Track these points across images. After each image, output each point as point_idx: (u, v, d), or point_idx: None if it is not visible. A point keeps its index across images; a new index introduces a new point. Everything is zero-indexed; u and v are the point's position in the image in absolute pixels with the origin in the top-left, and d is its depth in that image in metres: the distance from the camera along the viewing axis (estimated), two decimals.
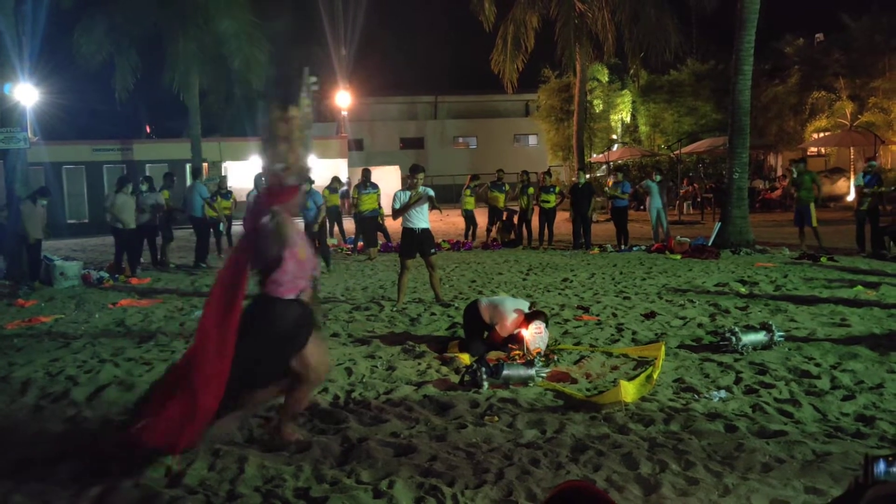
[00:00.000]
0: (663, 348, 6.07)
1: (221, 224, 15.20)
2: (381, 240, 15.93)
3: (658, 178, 16.27)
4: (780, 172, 28.53)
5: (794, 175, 13.84)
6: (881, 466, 1.37)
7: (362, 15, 33.22)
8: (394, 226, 11.89)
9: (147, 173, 22.47)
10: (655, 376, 5.39)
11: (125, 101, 24.02)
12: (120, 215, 12.13)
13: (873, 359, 5.85)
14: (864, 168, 13.51)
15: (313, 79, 4.06)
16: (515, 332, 6.24)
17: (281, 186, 3.88)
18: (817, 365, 5.70)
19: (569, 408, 4.82)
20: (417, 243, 8.77)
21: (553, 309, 8.37)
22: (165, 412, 3.61)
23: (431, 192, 8.80)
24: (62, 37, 23.82)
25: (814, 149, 29.36)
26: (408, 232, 8.76)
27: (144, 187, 13.29)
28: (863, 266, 11.17)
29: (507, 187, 16.76)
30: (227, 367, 3.68)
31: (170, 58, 23.30)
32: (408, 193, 8.67)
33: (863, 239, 12.84)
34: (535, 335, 6.14)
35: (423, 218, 8.76)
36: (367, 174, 14.81)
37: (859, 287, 9.25)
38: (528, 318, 6.22)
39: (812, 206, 13.51)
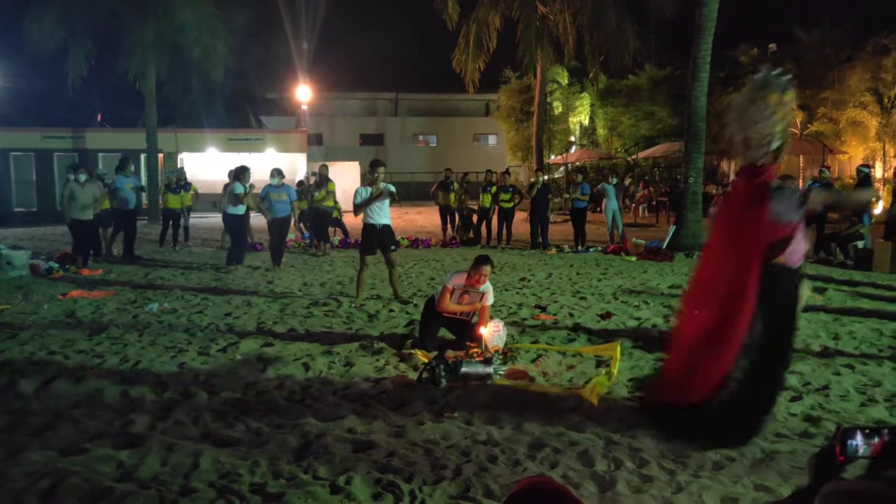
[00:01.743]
0: (619, 348, 6.16)
1: (182, 217, 14.92)
2: (338, 235, 15.83)
3: (614, 180, 16.51)
4: (732, 178, 29.16)
5: None
6: (858, 439, 1.38)
7: (324, 9, 32.94)
8: (353, 222, 11.84)
9: (100, 163, 21.93)
10: (615, 372, 5.49)
11: (78, 88, 23.34)
12: (67, 205, 11.77)
13: (819, 361, 6.03)
14: (815, 175, 13.91)
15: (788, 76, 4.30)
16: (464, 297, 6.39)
17: (773, 164, 4.25)
18: None
19: (527, 405, 4.86)
20: (378, 239, 8.74)
21: (511, 308, 8.43)
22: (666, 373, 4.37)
23: (392, 188, 8.76)
24: (12, 19, 23.09)
25: None
26: (369, 228, 8.72)
27: (83, 177, 12.19)
28: (809, 271, 11.49)
29: (456, 186, 16.82)
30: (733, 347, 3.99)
31: (126, 46, 22.73)
32: (369, 189, 8.63)
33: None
34: (493, 333, 6.18)
35: (385, 214, 8.72)
36: (324, 169, 14.76)
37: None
38: (475, 266, 6.33)
39: None
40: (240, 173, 11.71)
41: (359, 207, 8.65)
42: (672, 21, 23.81)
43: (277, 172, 11.98)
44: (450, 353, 5.91)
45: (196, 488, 3.53)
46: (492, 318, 6.56)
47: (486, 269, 6.35)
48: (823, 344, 6.65)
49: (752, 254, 4.04)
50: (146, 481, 3.61)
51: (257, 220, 14.59)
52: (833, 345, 6.64)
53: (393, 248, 8.88)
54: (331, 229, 15.30)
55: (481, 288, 6.42)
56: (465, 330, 6.49)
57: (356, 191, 8.74)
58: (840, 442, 1.41)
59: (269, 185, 11.92)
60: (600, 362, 5.99)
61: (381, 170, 8.69)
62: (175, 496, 3.45)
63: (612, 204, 15.86)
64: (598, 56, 25.39)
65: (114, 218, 13.59)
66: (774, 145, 4.15)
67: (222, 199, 15.33)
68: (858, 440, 1.38)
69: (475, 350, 6.07)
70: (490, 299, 6.53)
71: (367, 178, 8.82)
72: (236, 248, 11.86)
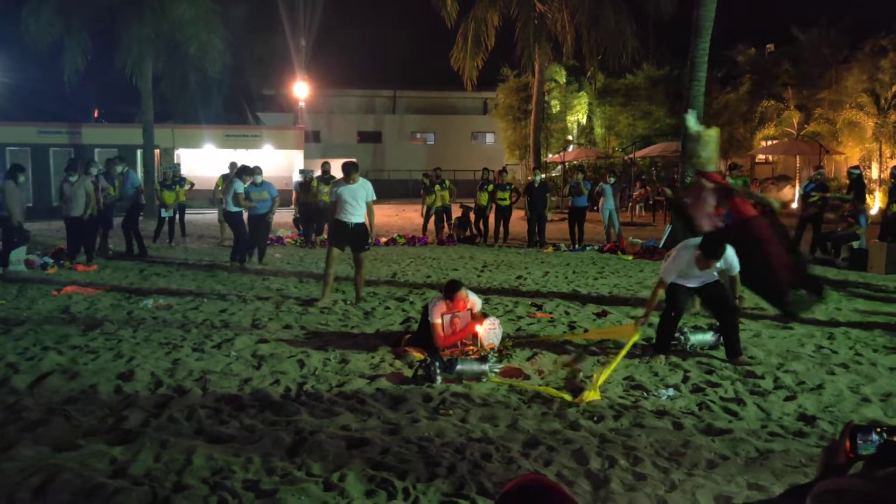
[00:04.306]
0: (637, 335, 6.06)
1: (163, 210, 14.79)
2: None
3: (612, 180, 16.50)
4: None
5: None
6: (874, 437, 1.36)
7: (322, 5, 32.87)
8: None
9: (96, 158, 21.90)
10: (618, 360, 5.52)
11: (74, 83, 23.25)
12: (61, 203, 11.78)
13: (814, 360, 6.04)
14: (811, 176, 13.93)
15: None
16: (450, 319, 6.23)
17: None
18: (761, 365, 5.86)
19: (522, 402, 4.86)
20: (349, 237, 8.48)
21: (507, 306, 8.43)
22: None
23: (370, 188, 8.54)
24: (9, 13, 23.01)
25: (762, 156, 30.12)
26: (340, 224, 8.48)
27: (74, 178, 11.76)
28: None
29: (448, 183, 16.80)
30: None
31: (123, 41, 22.66)
32: (348, 186, 8.36)
33: (797, 245, 13.16)
34: (488, 331, 6.16)
35: (358, 212, 8.44)
36: (327, 166, 14.75)
37: (802, 291, 9.51)
38: (448, 295, 6.10)
39: None
40: (242, 172, 11.87)
41: (331, 204, 8.80)
42: (670, 21, 23.79)
43: (258, 171, 12.10)
44: (445, 351, 5.90)
45: (189, 485, 3.52)
46: (486, 315, 6.54)
47: (462, 292, 6.13)
48: (818, 343, 6.66)
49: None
50: (139, 477, 3.60)
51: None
52: (828, 344, 6.65)
53: (367, 246, 8.62)
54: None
55: (464, 311, 6.29)
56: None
57: (333, 190, 8.68)
58: (850, 439, 1.39)
59: (251, 184, 11.96)
60: (598, 361, 6.00)
61: (355, 174, 8.40)
62: (168, 492, 3.44)
63: (608, 203, 15.86)
64: (596, 55, 25.37)
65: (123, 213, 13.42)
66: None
67: (216, 194, 15.34)
68: (872, 437, 1.36)
69: (471, 347, 6.06)
70: (478, 305, 6.43)
71: (345, 179, 8.52)
72: (238, 245, 11.83)
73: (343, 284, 9.86)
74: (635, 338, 6.03)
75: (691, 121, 8.34)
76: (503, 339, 6.34)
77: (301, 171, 16.45)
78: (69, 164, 12.03)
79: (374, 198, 8.59)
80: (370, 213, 8.55)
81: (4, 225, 10.88)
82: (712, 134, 8.06)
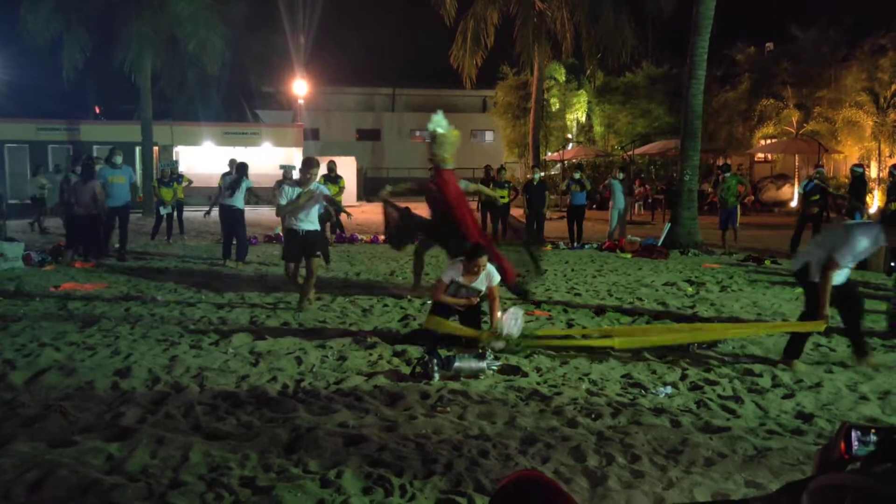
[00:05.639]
0: (822, 326, 5.68)
1: (161, 208, 14.81)
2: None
3: (621, 175, 16.40)
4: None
5: (725, 189, 14.25)
6: (870, 437, 1.35)
7: (321, 3, 32.84)
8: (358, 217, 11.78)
9: (95, 155, 21.89)
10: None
11: (73, 80, 23.22)
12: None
13: (812, 358, 6.04)
14: (811, 175, 13.95)
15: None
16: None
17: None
18: (759, 363, 5.85)
19: (520, 400, 4.86)
20: (300, 245, 8.01)
21: (505, 304, 8.41)
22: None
23: (326, 191, 8.18)
24: (7, 10, 22.96)
25: (761, 155, 30.13)
26: (291, 233, 8.00)
27: (73, 177, 12.02)
28: None
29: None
30: None
31: (122, 38, 22.64)
32: (297, 190, 7.85)
33: (797, 243, 13.18)
34: (509, 319, 6.17)
35: (311, 219, 7.98)
36: (332, 165, 14.74)
37: (800, 289, 9.52)
38: (470, 259, 6.27)
39: (738, 207, 14.10)
40: (244, 170, 12.10)
41: (282, 209, 7.90)
42: (669, 19, 23.76)
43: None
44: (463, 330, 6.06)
45: (185, 481, 3.51)
46: (505, 309, 6.51)
47: (482, 259, 6.29)
48: (816, 341, 6.66)
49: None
50: (135, 474, 3.58)
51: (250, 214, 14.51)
52: (826, 342, 6.65)
53: (318, 253, 8.22)
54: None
55: (477, 282, 6.37)
56: (473, 316, 6.56)
57: (283, 190, 7.99)
58: (845, 439, 1.38)
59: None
60: (588, 358, 5.99)
61: (315, 171, 8.05)
62: (164, 489, 3.43)
63: (618, 202, 15.52)
64: (595, 53, 25.38)
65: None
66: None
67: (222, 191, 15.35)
68: (868, 437, 1.35)
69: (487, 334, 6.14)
70: (496, 279, 6.48)
71: (299, 178, 8.09)
72: (239, 243, 11.84)
73: (342, 282, 9.86)
74: (821, 327, 5.72)
75: (437, 120, 8.38)
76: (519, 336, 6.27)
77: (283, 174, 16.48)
78: (67, 162, 12.06)
79: (336, 208, 8.56)
80: (332, 203, 8.44)
81: (96, 220, 11.75)
82: (448, 136, 8.35)
